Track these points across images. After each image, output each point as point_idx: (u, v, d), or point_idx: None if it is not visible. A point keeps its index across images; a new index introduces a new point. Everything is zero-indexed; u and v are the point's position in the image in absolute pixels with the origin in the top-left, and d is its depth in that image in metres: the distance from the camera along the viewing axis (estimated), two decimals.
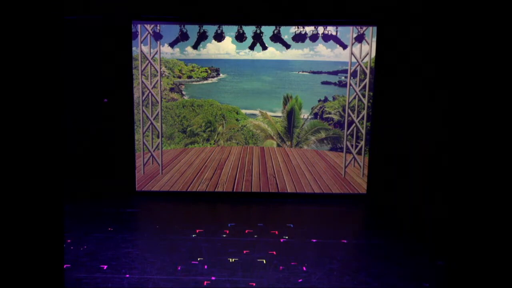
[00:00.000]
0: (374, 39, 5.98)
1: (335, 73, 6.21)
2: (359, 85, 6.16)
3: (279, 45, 6.12)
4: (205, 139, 6.40)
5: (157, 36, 6.08)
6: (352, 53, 6.11)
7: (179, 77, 6.25)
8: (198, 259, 4.47)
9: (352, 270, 4.30)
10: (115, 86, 6.01)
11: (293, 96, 6.29)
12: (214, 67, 6.26)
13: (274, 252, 4.64)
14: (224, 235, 5.06)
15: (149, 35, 6.07)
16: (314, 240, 4.96)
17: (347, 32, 6.06)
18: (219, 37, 6.09)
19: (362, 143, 6.27)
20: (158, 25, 6.05)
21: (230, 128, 6.39)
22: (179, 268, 4.27)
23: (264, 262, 4.43)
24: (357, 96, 6.19)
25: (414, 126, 5.89)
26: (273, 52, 6.15)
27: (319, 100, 6.29)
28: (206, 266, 4.31)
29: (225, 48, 6.15)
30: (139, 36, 6.05)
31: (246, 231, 5.18)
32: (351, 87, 6.18)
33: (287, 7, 5.75)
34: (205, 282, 4.02)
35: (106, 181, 6.16)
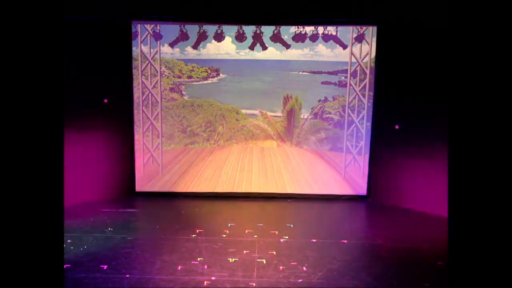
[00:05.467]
0: (374, 39, 5.98)
1: (335, 73, 6.20)
2: (359, 85, 6.16)
3: (279, 45, 6.12)
4: (205, 139, 6.40)
5: (157, 36, 6.08)
6: (352, 53, 6.10)
7: (179, 77, 6.25)
8: (198, 259, 4.47)
9: (352, 270, 4.30)
10: (115, 86, 6.01)
11: (293, 96, 6.29)
12: (214, 67, 6.26)
13: (274, 252, 4.64)
14: (224, 235, 5.06)
15: (149, 35, 6.07)
16: (314, 240, 4.96)
17: (347, 32, 6.06)
18: (219, 37, 6.09)
19: (362, 143, 6.27)
20: (158, 25, 6.05)
21: (230, 128, 6.39)
22: (179, 268, 4.27)
23: (264, 262, 4.43)
24: (357, 96, 6.19)
25: (414, 126, 5.89)
26: (273, 52, 6.15)
27: (319, 100, 6.29)
28: (206, 266, 4.32)
29: (225, 48, 6.15)
30: (139, 36, 6.05)
31: (246, 231, 5.18)
32: (351, 87, 6.18)
33: (287, 7, 5.75)
34: (205, 282, 4.02)
35: (106, 181, 6.16)
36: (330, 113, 6.30)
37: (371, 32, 6.00)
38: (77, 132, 5.75)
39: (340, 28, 6.05)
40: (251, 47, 6.12)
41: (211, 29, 6.06)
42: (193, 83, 6.28)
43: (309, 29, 6.06)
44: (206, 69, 6.26)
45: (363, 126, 6.23)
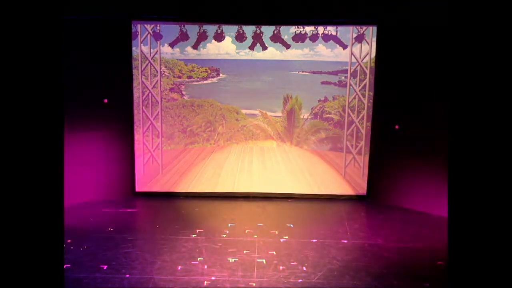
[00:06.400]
0: (374, 39, 5.98)
1: (335, 73, 6.20)
2: (359, 85, 6.16)
3: (279, 45, 6.12)
4: (205, 139, 6.40)
5: (157, 36, 6.08)
6: (352, 53, 6.10)
7: (179, 77, 6.25)
8: (198, 259, 4.47)
9: (352, 270, 4.31)
10: (115, 86, 6.01)
11: (293, 96, 6.29)
12: (214, 67, 6.25)
13: (274, 252, 4.64)
14: (224, 235, 5.06)
15: (149, 35, 6.07)
16: (314, 240, 4.96)
17: (347, 32, 6.06)
18: (219, 37, 6.09)
19: (362, 143, 6.27)
20: (158, 25, 6.05)
21: (230, 128, 6.40)
22: (179, 268, 4.27)
23: (264, 262, 4.44)
24: (357, 96, 6.19)
25: (414, 126, 5.89)
26: (273, 52, 6.14)
27: (319, 100, 6.29)
28: (206, 266, 4.32)
29: (225, 48, 6.15)
30: (139, 36, 6.05)
31: (246, 231, 5.18)
32: (351, 87, 6.18)
33: (287, 7, 5.75)
34: (205, 282, 4.03)
35: (106, 181, 6.15)
36: (330, 113, 6.30)
37: (371, 32, 5.99)
38: (77, 132, 5.75)
39: (340, 28, 6.05)
40: (251, 47, 6.11)
41: (211, 29, 6.06)
42: (193, 83, 6.28)
43: (309, 29, 6.06)
44: (206, 69, 6.26)
45: (363, 126, 6.23)
